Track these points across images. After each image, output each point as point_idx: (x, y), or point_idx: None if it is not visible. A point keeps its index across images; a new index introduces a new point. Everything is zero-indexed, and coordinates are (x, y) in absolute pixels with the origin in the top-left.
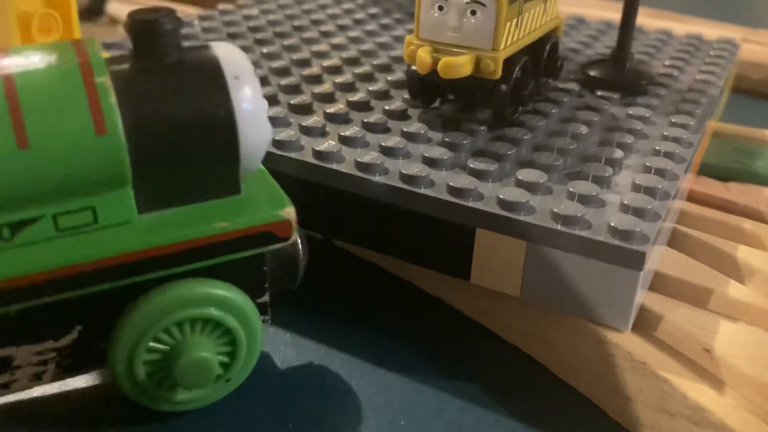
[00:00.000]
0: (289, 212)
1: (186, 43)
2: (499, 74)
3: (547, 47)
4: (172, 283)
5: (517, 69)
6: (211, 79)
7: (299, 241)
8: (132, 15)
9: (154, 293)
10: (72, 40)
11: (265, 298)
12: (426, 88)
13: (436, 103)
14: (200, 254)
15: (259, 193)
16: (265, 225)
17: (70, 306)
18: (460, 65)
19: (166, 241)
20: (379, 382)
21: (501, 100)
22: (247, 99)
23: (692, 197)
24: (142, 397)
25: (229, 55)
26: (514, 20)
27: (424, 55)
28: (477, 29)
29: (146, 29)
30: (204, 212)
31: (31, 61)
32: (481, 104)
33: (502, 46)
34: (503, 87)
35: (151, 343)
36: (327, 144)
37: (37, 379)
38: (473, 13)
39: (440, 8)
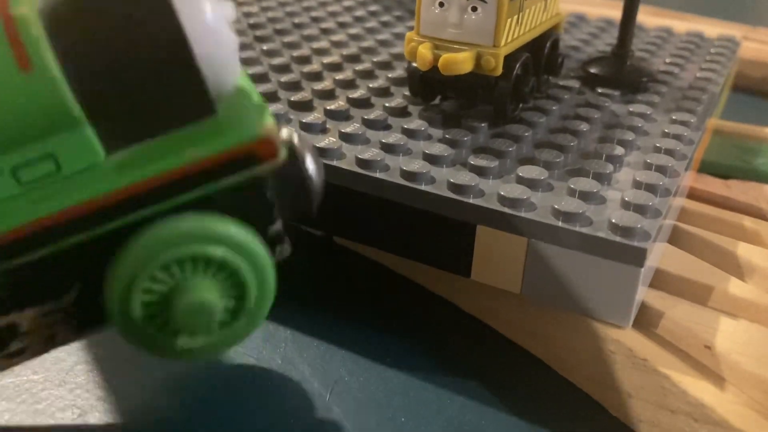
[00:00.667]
0: (268, 128)
1: None
2: (500, 71)
3: (548, 44)
4: (155, 223)
5: (518, 66)
6: None
7: (306, 157)
8: None
9: (138, 235)
10: None
11: (277, 226)
12: (426, 85)
13: (437, 100)
14: (177, 188)
15: (239, 112)
16: (242, 145)
17: (61, 262)
18: (461, 62)
19: (136, 179)
20: (379, 379)
21: (502, 96)
22: (197, 6)
23: (693, 195)
24: (142, 343)
25: None
26: (515, 17)
27: (425, 51)
28: (478, 26)
29: None
30: (176, 142)
31: None
32: (482, 101)
33: (502, 43)
34: (504, 84)
35: (145, 286)
36: (327, 141)
37: (52, 341)
38: (474, 9)
39: (441, 5)
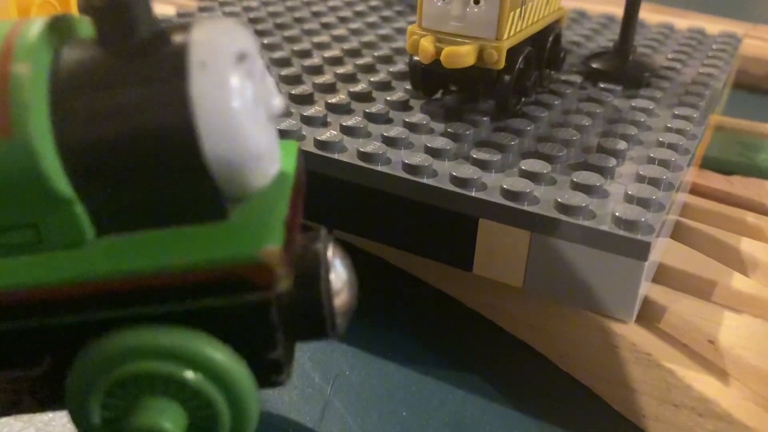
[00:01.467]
0: (269, 253)
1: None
2: (502, 64)
3: (551, 38)
4: (127, 327)
5: (520, 59)
6: (168, 66)
7: (331, 274)
8: None
9: (105, 337)
10: (23, 19)
11: (277, 353)
12: (428, 79)
13: (438, 94)
14: (150, 295)
15: (254, 222)
16: (234, 267)
17: (33, 334)
18: (463, 55)
19: (109, 272)
20: (381, 373)
21: (504, 90)
22: (215, 95)
23: (695, 190)
24: None
25: (207, 35)
26: (518, 10)
27: (427, 44)
28: (480, 19)
29: (102, 2)
30: (170, 241)
31: None
32: (484, 95)
33: (505, 36)
34: (506, 77)
35: (104, 400)
36: (328, 134)
37: (14, 407)
38: (477, 2)
39: None
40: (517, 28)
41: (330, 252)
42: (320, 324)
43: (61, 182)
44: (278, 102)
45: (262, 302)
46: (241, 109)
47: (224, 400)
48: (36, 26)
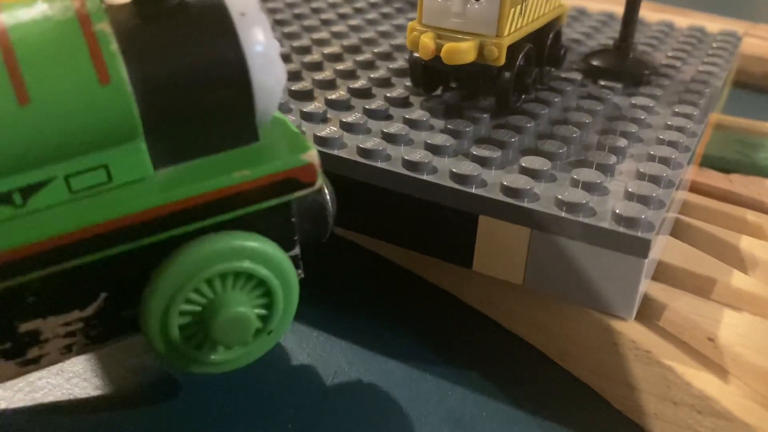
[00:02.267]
0: (312, 155)
1: None
2: (502, 61)
3: (551, 35)
4: (200, 239)
5: (520, 56)
6: (216, 18)
7: (325, 188)
8: None
9: (183, 250)
10: None
11: (296, 250)
12: (428, 75)
13: (438, 91)
14: (223, 207)
15: (279, 139)
16: (287, 171)
17: (93, 272)
18: (463, 51)
19: (186, 195)
20: (380, 370)
21: (504, 87)
22: (257, 38)
23: (695, 188)
24: (179, 360)
25: None
26: (518, 7)
27: (427, 40)
28: (481, 15)
29: None
30: (223, 163)
31: (25, 12)
32: (484, 92)
33: (506, 33)
34: (507, 74)
35: (184, 305)
36: (328, 130)
37: (67, 351)
38: None
39: None
40: (518, 25)
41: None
42: (322, 226)
43: (139, 121)
44: (278, 44)
45: (291, 202)
46: (274, 45)
47: (279, 284)
48: None
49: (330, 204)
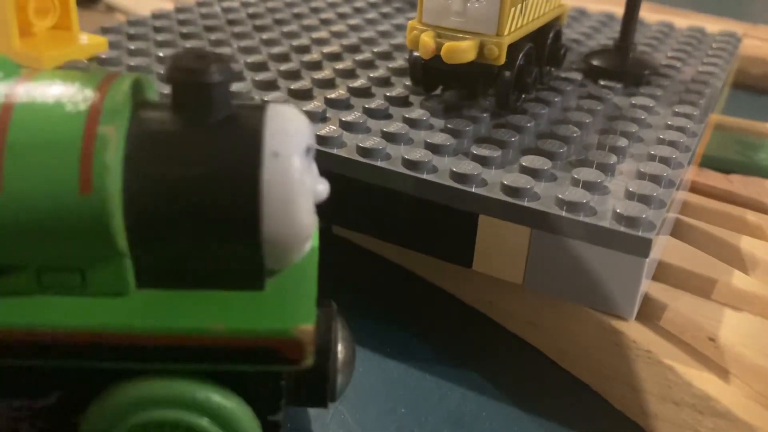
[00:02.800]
0: (304, 331)
1: (190, 44)
2: (503, 60)
3: (551, 35)
4: (152, 376)
5: (520, 56)
6: (243, 151)
7: (335, 349)
8: (175, 60)
9: (126, 385)
10: (109, 72)
11: (278, 417)
12: (428, 75)
13: (438, 90)
14: (183, 354)
15: (288, 296)
16: (269, 339)
17: (49, 372)
18: (463, 50)
19: (150, 327)
20: (380, 370)
21: (504, 86)
22: (282, 183)
23: (695, 188)
24: None
25: (281, 126)
26: (518, 6)
27: (427, 39)
28: (481, 14)
29: (187, 79)
30: (208, 304)
31: (42, 91)
32: (484, 92)
33: (506, 32)
34: (507, 73)
35: None
36: (328, 129)
37: None
38: None
39: None
40: (518, 24)
41: (338, 328)
42: (322, 395)
43: (121, 238)
44: (323, 188)
45: (316, 365)
46: (302, 199)
47: None
48: (122, 88)
49: (336, 372)
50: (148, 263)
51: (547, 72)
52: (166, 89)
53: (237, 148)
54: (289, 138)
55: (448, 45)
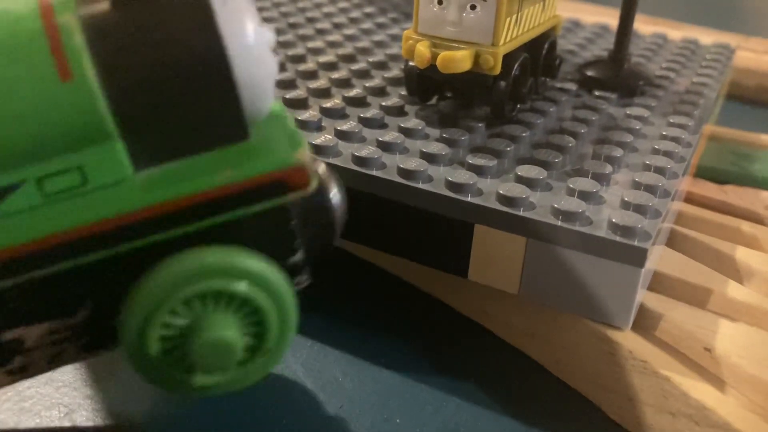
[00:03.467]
0: (303, 155)
1: None
2: (498, 70)
3: (546, 45)
4: (179, 254)
5: (516, 66)
6: (195, 7)
7: (331, 188)
8: None
9: (161, 266)
10: None
11: (298, 257)
12: (424, 84)
13: (433, 100)
14: (204, 211)
15: (273, 138)
16: (274, 172)
17: (76, 279)
18: (459, 60)
19: (163, 198)
20: (374, 380)
21: (500, 96)
22: (240, 27)
23: (690, 199)
24: (164, 383)
25: None
26: (514, 16)
27: (423, 49)
28: (477, 24)
29: None
30: (206, 164)
31: None
32: (479, 101)
33: (501, 42)
34: (502, 83)
35: (163, 329)
36: (323, 138)
37: (56, 360)
38: (473, 7)
39: (440, 2)
40: (513, 35)
41: (325, 172)
42: (328, 231)
43: (109, 120)
44: (270, 33)
45: (290, 206)
46: (259, 36)
47: (272, 308)
48: None
49: (337, 206)
50: (138, 142)
51: (542, 82)
52: None
53: (189, 6)
54: None
55: (444, 55)
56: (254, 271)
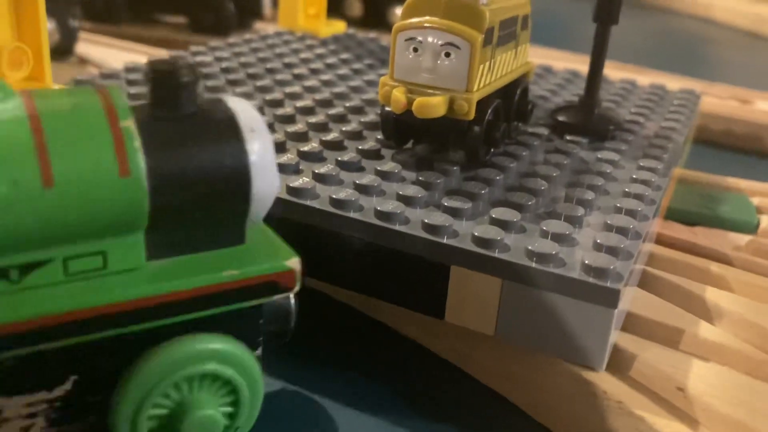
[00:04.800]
0: (295, 263)
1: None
2: (472, 115)
3: (519, 91)
4: (178, 339)
5: (489, 111)
6: (229, 130)
7: (291, 294)
8: (152, 65)
9: (160, 349)
10: (95, 86)
11: (259, 351)
12: (400, 129)
13: (410, 144)
14: (207, 303)
15: (261, 244)
16: (271, 275)
17: (67, 355)
18: (434, 105)
19: (175, 288)
20: (350, 424)
21: (474, 141)
22: (261, 151)
23: (660, 240)
24: None
25: (243, 109)
26: (487, 63)
27: (399, 94)
28: (451, 71)
29: (166, 79)
30: (211, 261)
31: (56, 102)
32: (454, 145)
33: (475, 88)
34: (476, 128)
35: (153, 409)
36: (301, 181)
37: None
38: (447, 55)
39: (415, 50)
40: (486, 81)
41: None
42: (284, 330)
43: (147, 214)
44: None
45: (282, 302)
46: (273, 159)
47: (246, 386)
48: (118, 92)
49: (294, 310)
50: (157, 237)
51: (514, 127)
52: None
53: (224, 129)
54: (256, 116)
55: (419, 100)
56: (236, 354)
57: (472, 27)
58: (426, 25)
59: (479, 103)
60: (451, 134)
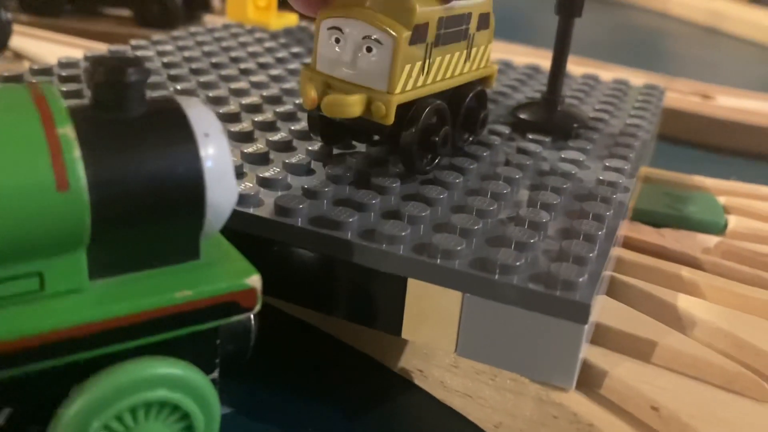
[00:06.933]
0: (255, 280)
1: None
2: (391, 120)
3: (469, 96)
4: (122, 364)
5: (423, 115)
6: (181, 134)
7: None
8: (95, 62)
9: (100, 377)
10: (27, 84)
11: (215, 374)
12: (327, 127)
13: (364, 147)
14: (158, 327)
15: (218, 259)
16: (229, 294)
17: (1, 386)
18: (347, 105)
19: (122, 312)
20: None
21: (406, 147)
22: (217, 156)
23: (628, 244)
24: None
25: (197, 112)
26: (419, 63)
27: (309, 89)
28: (372, 68)
29: (110, 79)
30: (163, 280)
31: None
32: (390, 151)
33: (398, 90)
34: (408, 133)
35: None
36: (244, 186)
37: None
38: (369, 50)
39: (337, 41)
40: (418, 83)
41: None
42: (242, 353)
43: (88, 230)
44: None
45: (242, 322)
46: (231, 166)
47: (201, 414)
48: (55, 93)
49: (254, 329)
50: (100, 254)
51: (464, 138)
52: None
53: (174, 134)
54: (211, 118)
55: (328, 98)
56: (192, 381)
57: (398, 21)
58: (349, 15)
59: (412, 105)
60: (383, 138)
